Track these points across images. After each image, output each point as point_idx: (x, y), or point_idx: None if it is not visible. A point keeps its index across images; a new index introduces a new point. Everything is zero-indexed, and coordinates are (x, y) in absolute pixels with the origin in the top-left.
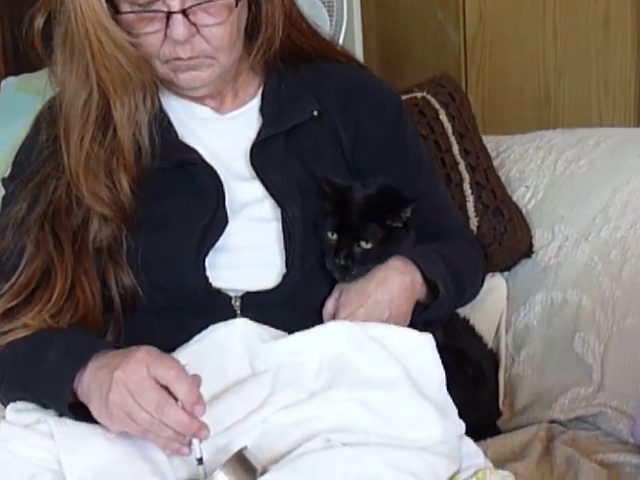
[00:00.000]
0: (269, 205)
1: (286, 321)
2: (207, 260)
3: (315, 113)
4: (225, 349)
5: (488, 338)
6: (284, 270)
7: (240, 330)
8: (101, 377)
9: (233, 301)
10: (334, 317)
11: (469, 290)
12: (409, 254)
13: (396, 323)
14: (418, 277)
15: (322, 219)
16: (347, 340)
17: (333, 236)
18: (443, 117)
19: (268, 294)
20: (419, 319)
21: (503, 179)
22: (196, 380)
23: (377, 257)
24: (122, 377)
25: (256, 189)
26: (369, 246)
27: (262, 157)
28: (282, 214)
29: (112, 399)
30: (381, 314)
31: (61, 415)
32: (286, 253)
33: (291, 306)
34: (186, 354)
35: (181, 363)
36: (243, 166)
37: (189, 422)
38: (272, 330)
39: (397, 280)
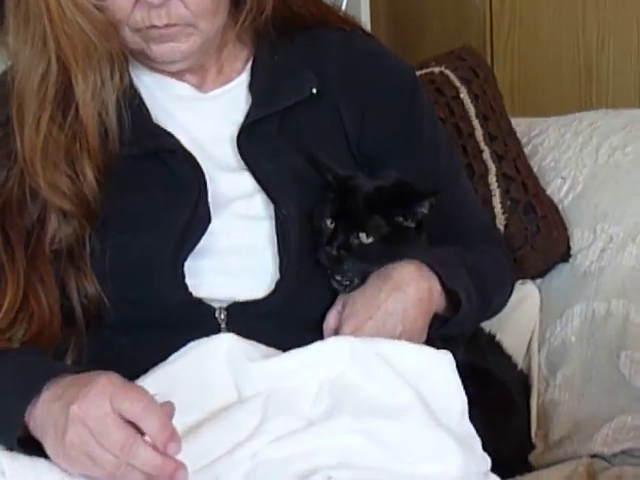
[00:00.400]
0: (260, 200)
1: (279, 337)
2: (186, 265)
3: (314, 91)
4: (207, 370)
5: (518, 357)
6: (277, 276)
7: (225, 347)
8: (56, 412)
9: (217, 313)
10: (336, 332)
11: (496, 301)
12: (425, 258)
13: (410, 339)
14: (436, 285)
15: (321, 205)
16: (351, 359)
17: (331, 224)
18: (464, 96)
19: (258, 304)
20: (437, 335)
21: (535, 169)
22: (168, 411)
23: (377, 256)
24: (80, 413)
25: (245, 181)
26: (369, 240)
27: (252, 143)
28: (275, 211)
29: (69, 439)
30: (393, 329)
31: (11, 449)
32: (280, 256)
33: (285, 319)
34: (159, 376)
35: (150, 393)
36: (229, 154)
37: (162, 463)
38: (262, 347)
39: (412, 288)
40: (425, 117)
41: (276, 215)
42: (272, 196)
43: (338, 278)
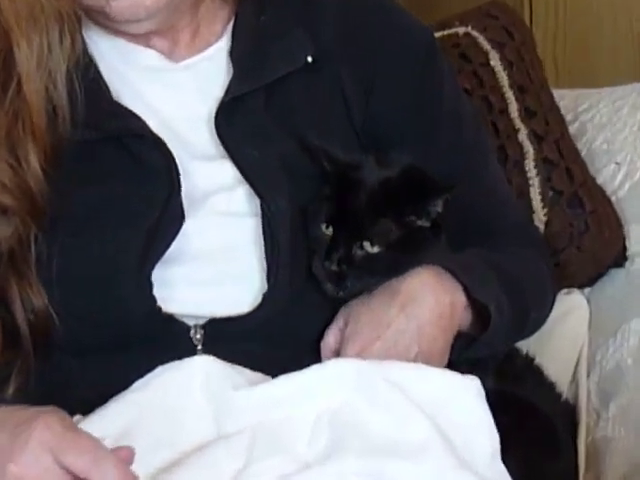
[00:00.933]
0: (243, 194)
1: (268, 359)
2: (154, 274)
3: (309, 59)
4: (178, 400)
5: (562, 384)
6: (265, 287)
7: (201, 372)
8: None
9: (192, 332)
10: (337, 354)
11: (534, 315)
12: (445, 262)
13: (428, 363)
14: (460, 297)
15: (315, 205)
16: (356, 386)
17: (327, 230)
18: (496, 63)
19: (242, 321)
20: (461, 358)
21: (583, 153)
22: (125, 456)
23: (386, 268)
24: (18, 473)
25: (225, 171)
26: (375, 250)
27: (233, 124)
28: (262, 207)
29: None
30: (406, 350)
31: None
32: (268, 262)
33: (275, 338)
34: (121, 408)
35: (96, 438)
36: (206, 138)
37: None
38: (247, 372)
39: (430, 301)
40: (445, 86)
41: (262, 211)
42: (257, 188)
43: (340, 294)
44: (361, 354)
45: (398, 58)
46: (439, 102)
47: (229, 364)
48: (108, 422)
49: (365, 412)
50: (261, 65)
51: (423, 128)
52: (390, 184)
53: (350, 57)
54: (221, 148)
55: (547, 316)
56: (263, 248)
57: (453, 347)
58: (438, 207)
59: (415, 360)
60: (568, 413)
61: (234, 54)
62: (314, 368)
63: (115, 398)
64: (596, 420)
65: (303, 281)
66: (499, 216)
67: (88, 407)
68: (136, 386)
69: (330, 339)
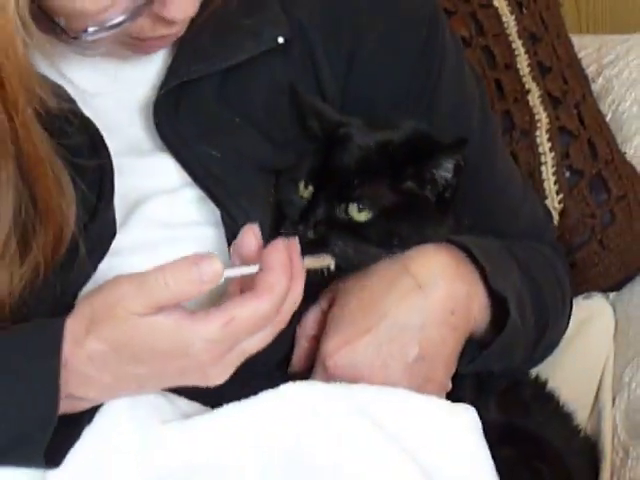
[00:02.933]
0: (193, 198)
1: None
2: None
3: (280, 40)
4: (101, 435)
5: (581, 413)
6: None
7: (127, 403)
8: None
9: None
10: (314, 343)
11: (552, 323)
12: (462, 240)
13: (430, 371)
14: (479, 289)
15: (293, 165)
16: (318, 420)
17: (306, 189)
18: (501, 3)
19: None
20: (466, 370)
21: (608, 117)
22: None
23: (376, 244)
24: (103, 347)
25: (168, 169)
26: (363, 217)
27: (178, 115)
28: (222, 216)
29: (124, 376)
30: (402, 352)
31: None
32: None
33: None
34: None
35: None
36: (141, 130)
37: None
38: (183, 402)
39: (442, 290)
40: (449, 59)
41: (224, 222)
42: (212, 192)
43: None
44: (343, 352)
45: (395, 36)
46: (438, 89)
47: (160, 393)
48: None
49: (329, 454)
50: (216, 47)
51: (419, 117)
52: (389, 144)
53: (328, 30)
54: (159, 142)
55: (563, 332)
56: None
57: (461, 355)
58: (447, 172)
59: (414, 366)
60: (588, 451)
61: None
62: (265, 396)
63: None
64: (623, 459)
65: None
66: (510, 220)
67: None
68: None
69: (309, 322)
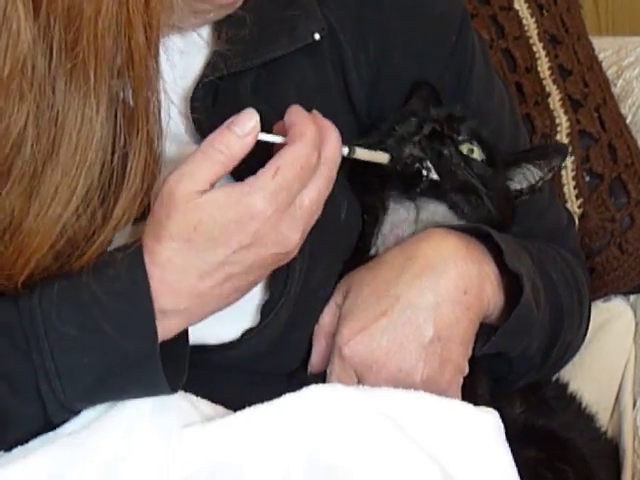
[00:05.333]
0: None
1: (246, 389)
2: None
3: (317, 36)
4: (126, 436)
5: (602, 415)
6: (257, 319)
7: (151, 406)
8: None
9: None
10: (332, 340)
11: (567, 324)
12: (476, 225)
13: (446, 351)
14: (493, 270)
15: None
16: (340, 423)
17: (412, 118)
18: (521, 6)
19: (225, 351)
20: (482, 352)
21: (629, 119)
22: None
23: (461, 193)
24: (176, 244)
25: None
26: (477, 155)
27: (212, 109)
28: None
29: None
30: (418, 333)
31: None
32: (271, 290)
33: (263, 363)
34: (49, 451)
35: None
36: (178, 120)
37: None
38: (206, 406)
39: (453, 270)
40: (475, 68)
41: None
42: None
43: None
44: (359, 337)
45: (424, 45)
46: (467, 92)
47: (184, 397)
48: (41, 466)
49: (351, 457)
50: (259, 40)
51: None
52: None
53: (362, 42)
54: (197, 136)
55: (582, 338)
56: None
57: (477, 340)
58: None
59: (430, 346)
60: (610, 452)
61: (219, 27)
62: (287, 399)
63: (45, 436)
64: None
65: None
66: (534, 223)
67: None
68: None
69: (325, 319)
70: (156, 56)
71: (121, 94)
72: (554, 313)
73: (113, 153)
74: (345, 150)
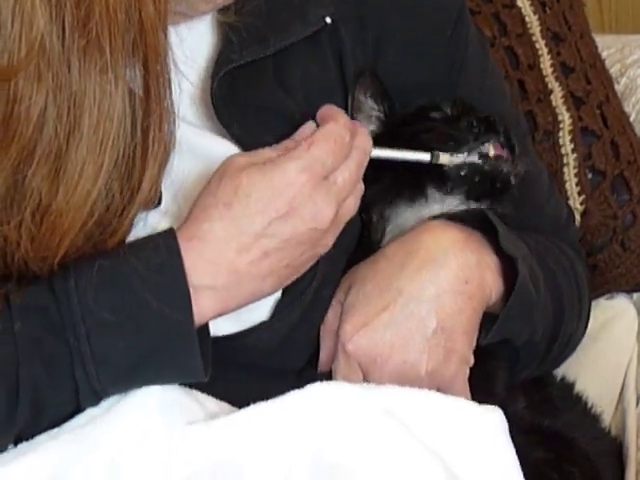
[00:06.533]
0: None
1: (259, 386)
2: None
3: (328, 20)
4: (130, 433)
5: (605, 413)
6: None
7: (155, 399)
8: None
9: None
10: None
11: (567, 316)
12: (476, 209)
13: (450, 342)
14: (492, 259)
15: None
16: (343, 419)
17: (446, 108)
18: (524, 3)
19: (245, 340)
20: (486, 341)
21: (632, 117)
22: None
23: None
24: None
25: (221, 149)
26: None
27: (232, 100)
28: None
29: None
30: (422, 325)
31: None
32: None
33: (279, 358)
34: (51, 447)
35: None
36: (195, 108)
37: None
38: (211, 403)
39: (453, 262)
40: (470, 59)
41: None
42: None
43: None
44: (362, 332)
45: (421, 38)
46: (460, 81)
47: (189, 393)
48: (49, 458)
49: (355, 454)
50: (272, 26)
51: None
52: None
53: (359, 34)
54: (218, 125)
55: (582, 334)
56: None
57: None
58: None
59: (433, 338)
60: (616, 452)
61: (230, 11)
62: (291, 396)
63: (51, 433)
64: None
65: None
66: (533, 216)
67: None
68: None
69: (330, 318)
70: (165, 30)
71: (135, 69)
72: (555, 301)
73: (134, 127)
74: (427, 156)
